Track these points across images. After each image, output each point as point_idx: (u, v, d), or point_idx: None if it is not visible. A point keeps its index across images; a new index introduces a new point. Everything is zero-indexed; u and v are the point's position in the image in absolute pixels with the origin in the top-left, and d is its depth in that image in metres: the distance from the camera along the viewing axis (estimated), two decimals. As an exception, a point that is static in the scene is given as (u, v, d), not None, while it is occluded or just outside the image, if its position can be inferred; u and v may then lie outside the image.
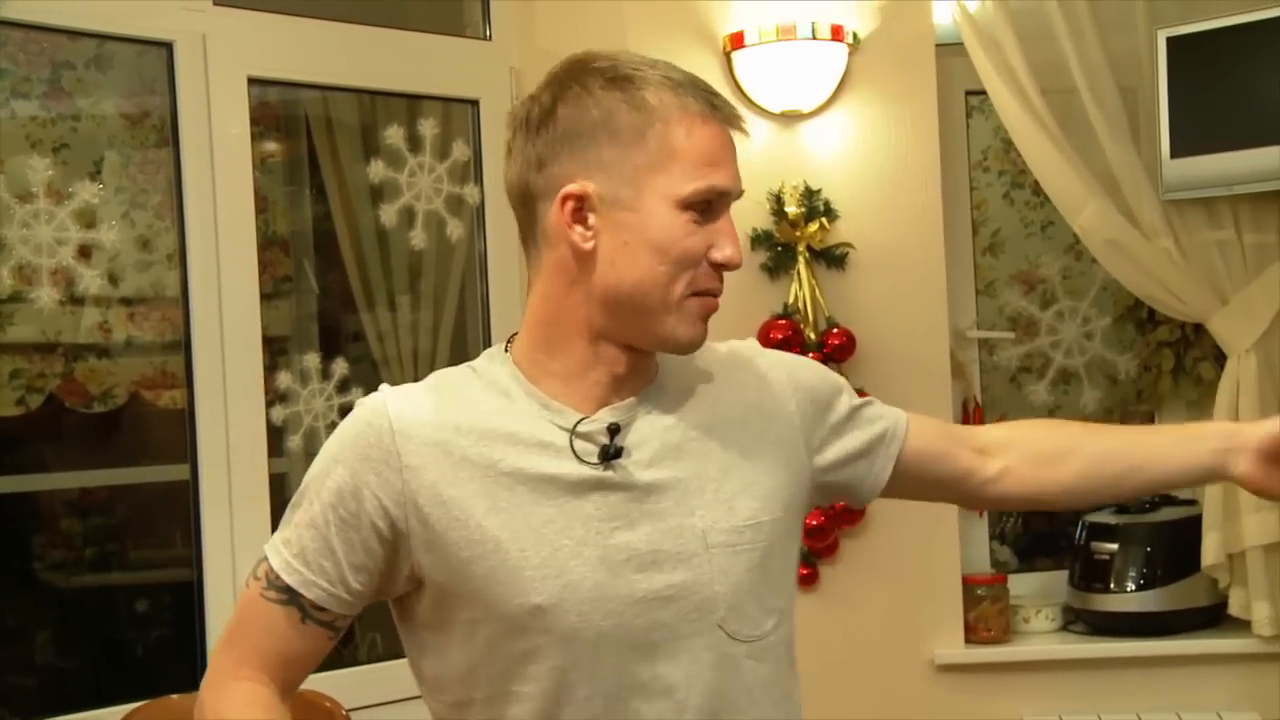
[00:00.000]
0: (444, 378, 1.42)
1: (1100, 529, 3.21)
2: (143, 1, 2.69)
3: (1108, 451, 1.58)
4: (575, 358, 1.37)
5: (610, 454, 1.35)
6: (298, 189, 3.55)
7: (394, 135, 3.04)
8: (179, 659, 2.87)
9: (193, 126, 2.73)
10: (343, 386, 2.96)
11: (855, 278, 3.08)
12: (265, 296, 2.88)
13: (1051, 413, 3.45)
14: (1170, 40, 2.99)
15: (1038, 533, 3.81)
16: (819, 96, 3.05)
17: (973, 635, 3.16)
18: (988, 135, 3.58)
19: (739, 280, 3.00)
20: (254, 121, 2.84)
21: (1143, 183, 3.04)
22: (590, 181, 1.33)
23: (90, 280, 2.67)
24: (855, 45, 3.04)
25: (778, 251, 3.03)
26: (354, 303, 3.33)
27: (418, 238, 3.08)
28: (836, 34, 2.98)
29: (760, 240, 3.04)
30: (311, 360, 2.96)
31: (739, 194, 1.38)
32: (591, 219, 1.33)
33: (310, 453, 2.90)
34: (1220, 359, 3.08)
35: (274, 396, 2.85)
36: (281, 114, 3.44)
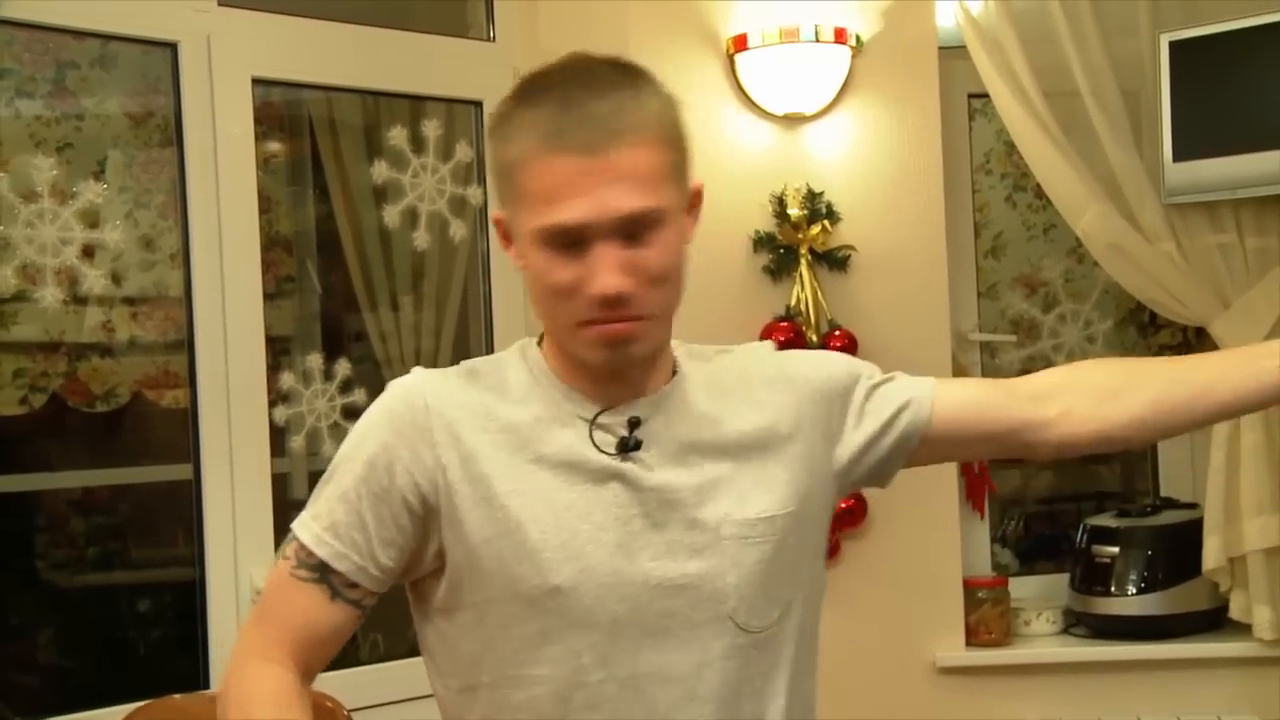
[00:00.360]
0: (475, 364, 1.45)
1: (1101, 532, 3.22)
2: (147, 1, 2.70)
3: (1172, 378, 1.53)
4: (570, 357, 1.40)
5: (629, 446, 1.37)
6: (301, 189, 3.56)
7: (397, 136, 3.04)
8: (181, 658, 2.87)
9: (197, 126, 2.74)
10: (345, 387, 2.96)
11: (857, 280, 3.08)
12: (268, 296, 2.89)
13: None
14: (1173, 44, 2.99)
15: (1038, 536, 3.82)
16: (822, 99, 3.05)
17: (973, 638, 3.17)
18: (990, 138, 3.58)
19: (741, 282, 3.05)
20: (258, 122, 2.84)
21: (1145, 186, 3.04)
22: (504, 210, 1.39)
23: (94, 280, 2.67)
24: (858, 48, 3.04)
25: (780, 254, 3.04)
26: (357, 303, 3.33)
27: (420, 238, 3.09)
28: (839, 37, 2.98)
29: (762, 242, 3.04)
30: (314, 360, 2.97)
31: (602, 223, 1.29)
32: (513, 244, 1.39)
33: (312, 453, 2.91)
34: (1222, 363, 3.08)
35: (276, 397, 2.85)
36: (285, 114, 3.44)
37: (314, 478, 3.35)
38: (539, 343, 1.45)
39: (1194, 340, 3.17)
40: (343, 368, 2.97)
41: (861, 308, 3.06)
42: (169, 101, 2.79)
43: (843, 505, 2.91)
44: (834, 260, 3.06)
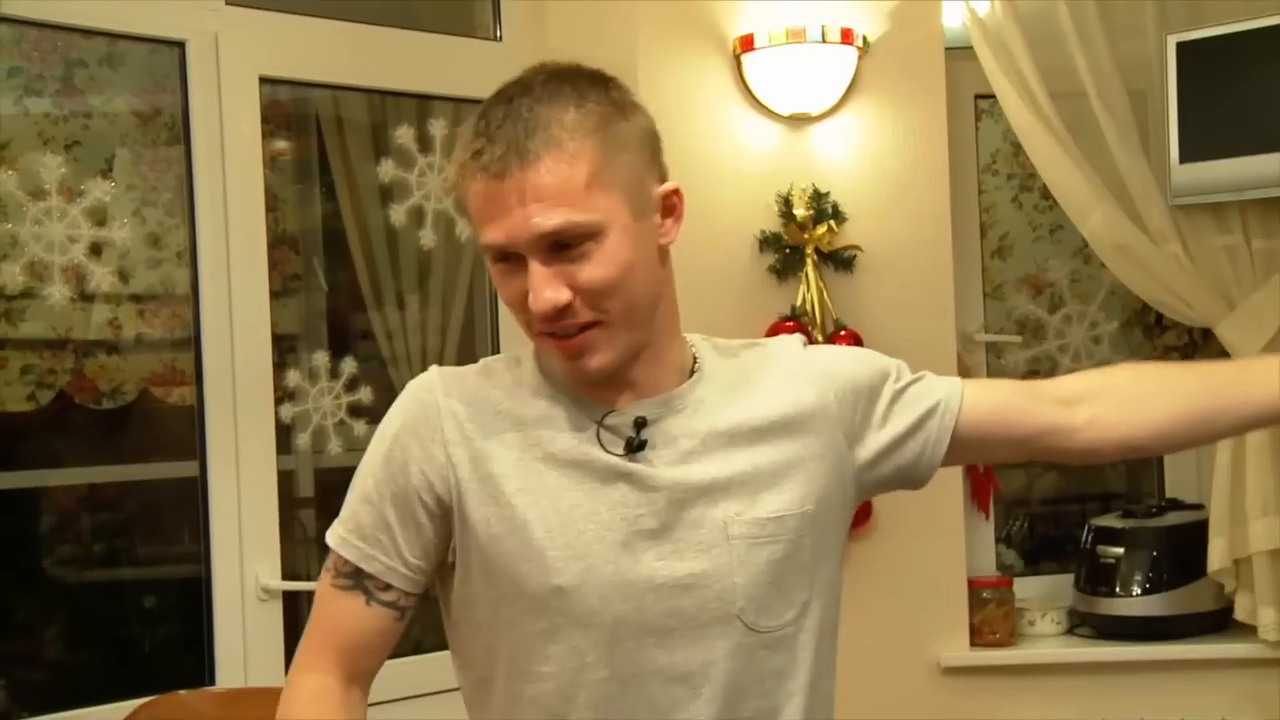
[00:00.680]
0: (492, 363, 1.47)
1: (1106, 533, 3.22)
2: (155, 0, 2.71)
3: (1196, 389, 1.54)
4: None
5: (634, 446, 1.38)
6: (308, 188, 3.56)
7: (404, 135, 3.05)
8: (187, 655, 2.88)
9: (204, 125, 2.75)
10: (351, 385, 2.96)
11: (863, 280, 3.08)
12: (275, 294, 2.89)
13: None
14: (1180, 45, 2.99)
15: (1043, 536, 3.81)
16: (828, 99, 3.05)
17: (978, 638, 3.17)
18: (996, 139, 3.57)
19: (747, 282, 3.05)
20: (265, 120, 2.84)
21: (1151, 188, 3.04)
22: None
23: (101, 277, 2.68)
24: (865, 48, 3.04)
25: (786, 254, 3.04)
26: (363, 301, 3.34)
27: (427, 237, 3.09)
28: (846, 37, 2.99)
29: (768, 242, 3.04)
30: (320, 358, 2.97)
31: (519, 243, 1.30)
32: None
33: (318, 451, 2.92)
34: (1228, 364, 3.08)
35: (283, 394, 2.86)
36: (292, 113, 3.44)
37: (320, 475, 3.37)
38: None
39: (1200, 341, 3.17)
40: (349, 366, 2.98)
41: (867, 308, 3.06)
42: (177, 100, 2.80)
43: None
44: (840, 260, 3.06)
